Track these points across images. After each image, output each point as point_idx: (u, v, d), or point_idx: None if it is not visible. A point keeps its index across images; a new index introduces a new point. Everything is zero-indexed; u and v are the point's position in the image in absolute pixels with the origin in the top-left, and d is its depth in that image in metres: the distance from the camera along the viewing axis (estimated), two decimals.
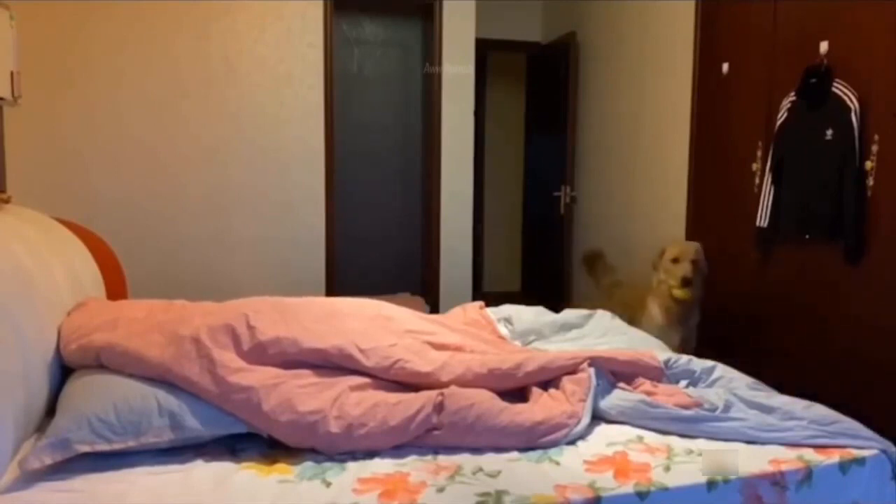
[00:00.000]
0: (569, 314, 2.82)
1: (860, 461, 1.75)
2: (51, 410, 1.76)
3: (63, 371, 1.91)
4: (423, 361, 2.03)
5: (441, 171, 4.54)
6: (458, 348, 2.21)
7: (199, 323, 1.94)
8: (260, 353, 1.93)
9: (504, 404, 1.86)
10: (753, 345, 3.17)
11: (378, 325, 2.23)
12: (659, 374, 2.19)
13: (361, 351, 2.00)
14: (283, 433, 1.72)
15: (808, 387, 2.58)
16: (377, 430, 1.73)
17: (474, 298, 4.02)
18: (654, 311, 3.36)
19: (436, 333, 2.27)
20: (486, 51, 5.73)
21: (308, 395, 1.79)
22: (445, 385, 1.96)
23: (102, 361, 1.83)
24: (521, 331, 2.66)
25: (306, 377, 1.89)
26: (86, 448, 1.55)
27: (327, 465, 1.65)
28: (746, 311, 3.23)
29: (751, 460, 1.71)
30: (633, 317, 3.34)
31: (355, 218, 4.99)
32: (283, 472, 1.61)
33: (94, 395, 1.67)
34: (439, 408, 1.80)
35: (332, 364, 1.98)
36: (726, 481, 1.63)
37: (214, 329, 1.92)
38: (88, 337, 1.89)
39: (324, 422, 1.72)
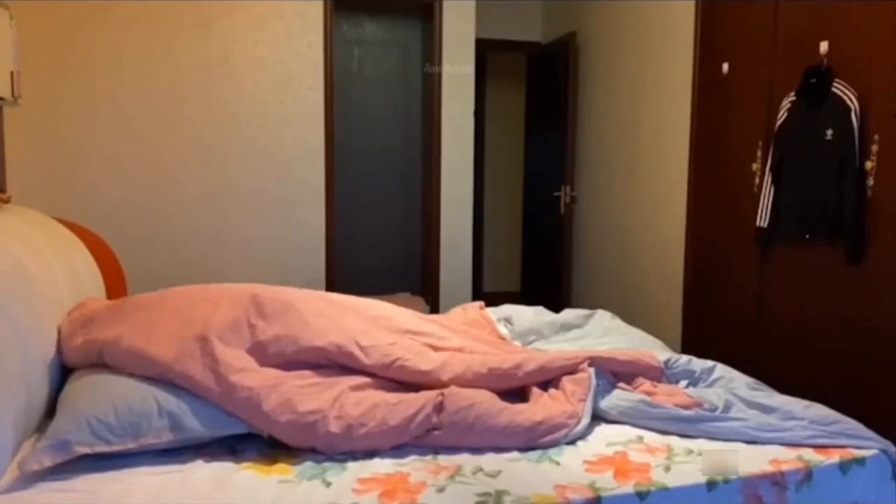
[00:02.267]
0: (569, 314, 2.82)
1: (860, 461, 1.75)
2: (50, 411, 1.76)
3: (63, 371, 1.91)
4: (423, 360, 2.03)
5: (441, 171, 4.54)
6: (458, 350, 2.21)
7: (203, 316, 1.95)
8: (260, 353, 1.93)
9: (504, 404, 1.86)
10: (753, 345, 3.18)
11: (378, 324, 2.23)
12: (659, 374, 2.19)
13: (361, 348, 2.00)
14: (283, 433, 1.72)
15: (809, 387, 2.59)
16: (377, 430, 1.73)
17: (474, 298, 4.03)
18: None
19: (435, 335, 2.27)
20: (486, 51, 5.72)
21: (308, 396, 1.79)
22: (445, 384, 1.96)
23: (105, 359, 1.83)
24: (521, 331, 2.66)
25: (307, 378, 1.90)
26: (85, 450, 1.55)
27: (327, 465, 1.66)
28: (746, 311, 3.23)
29: (751, 460, 1.71)
30: None
31: (355, 218, 5.00)
32: (283, 472, 1.61)
33: (93, 395, 1.67)
34: (439, 408, 1.80)
35: (331, 362, 1.99)
36: (726, 481, 1.63)
37: (218, 327, 1.92)
38: (92, 333, 1.89)
39: (323, 422, 1.72)
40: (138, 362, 1.80)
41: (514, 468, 1.66)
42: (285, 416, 1.72)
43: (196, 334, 1.88)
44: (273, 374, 1.87)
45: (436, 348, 2.17)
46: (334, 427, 1.71)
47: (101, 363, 1.85)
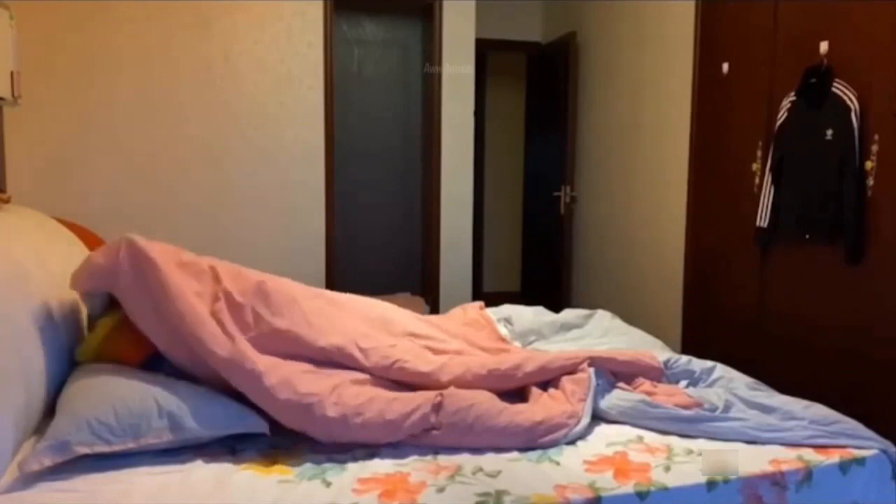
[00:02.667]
0: (569, 314, 2.82)
1: (860, 461, 1.75)
2: (50, 411, 1.76)
3: (63, 371, 1.91)
4: (423, 362, 2.04)
5: (441, 171, 4.54)
6: (457, 353, 2.22)
7: (211, 293, 2.01)
8: (261, 345, 1.95)
9: (503, 405, 1.86)
10: (753, 345, 3.17)
11: (378, 326, 2.24)
12: (658, 374, 2.19)
13: (361, 350, 2.01)
14: (282, 411, 1.73)
15: (809, 387, 2.59)
16: (373, 422, 1.73)
17: (474, 298, 4.03)
18: None
19: (435, 338, 2.27)
20: (486, 51, 5.72)
21: (309, 380, 1.81)
22: (444, 386, 1.96)
23: (119, 285, 1.85)
24: (521, 331, 2.66)
25: (307, 367, 1.92)
26: (85, 450, 1.55)
27: (327, 465, 1.66)
28: (746, 311, 3.23)
29: (751, 460, 1.71)
30: None
31: (355, 218, 5.00)
32: (283, 473, 1.61)
33: (93, 396, 1.67)
34: (437, 408, 1.81)
35: (331, 362, 2.00)
36: (726, 481, 1.63)
37: (225, 308, 1.97)
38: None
39: (320, 405, 1.72)
40: (160, 300, 1.83)
41: (514, 468, 1.66)
42: (284, 394, 1.73)
43: (206, 306, 1.92)
44: (275, 359, 1.89)
45: (435, 351, 2.17)
46: (331, 412, 1.72)
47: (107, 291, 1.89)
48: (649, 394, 2.04)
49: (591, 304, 4.12)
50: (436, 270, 4.60)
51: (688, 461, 1.71)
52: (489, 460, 1.70)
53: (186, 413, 1.68)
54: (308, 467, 1.64)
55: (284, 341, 1.98)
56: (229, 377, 1.77)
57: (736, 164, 3.28)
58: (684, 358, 2.30)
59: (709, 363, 2.29)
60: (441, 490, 1.54)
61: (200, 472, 1.60)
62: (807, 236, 2.82)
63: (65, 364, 1.94)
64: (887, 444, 1.82)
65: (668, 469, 1.66)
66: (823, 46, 2.73)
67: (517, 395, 2.06)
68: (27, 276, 1.82)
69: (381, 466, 1.65)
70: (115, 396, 1.67)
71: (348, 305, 2.31)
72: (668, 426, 1.88)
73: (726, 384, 2.17)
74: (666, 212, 3.95)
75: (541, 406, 1.92)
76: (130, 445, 1.61)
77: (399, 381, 2.01)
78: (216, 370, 1.79)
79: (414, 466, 1.66)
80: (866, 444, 1.80)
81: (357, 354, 2.00)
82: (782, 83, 2.96)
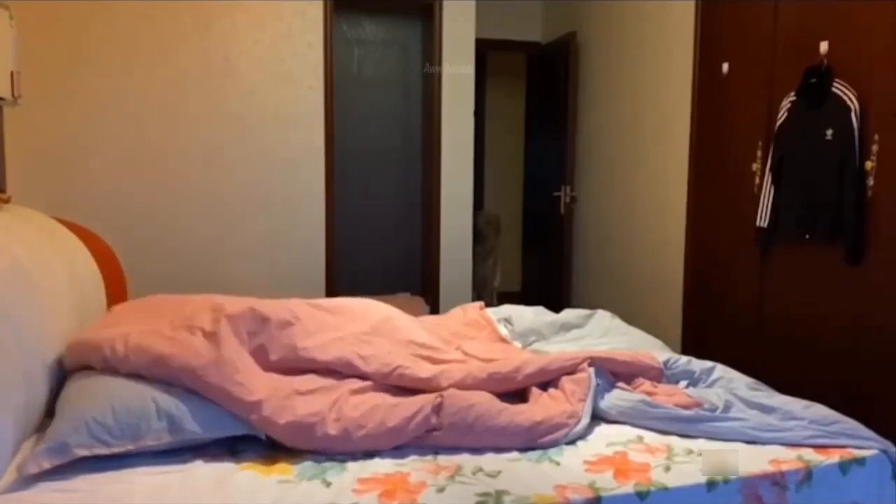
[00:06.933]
0: (569, 314, 2.82)
1: (860, 461, 1.75)
2: (50, 410, 1.76)
3: (63, 371, 1.91)
4: (423, 368, 2.05)
5: (441, 170, 4.54)
6: (459, 363, 2.21)
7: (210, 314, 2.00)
8: (263, 358, 1.95)
9: (503, 405, 1.87)
10: (753, 345, 3.17)
11: (379, 333, 2.24)
12: (658, 374, 2.19)
13: (362, 358, 2.02)
14: (282, 434, 1.73)
15: (809, 387, 2.59)
16: (375, 432, 1.73)
17: (474, 298, 4.03)
18: None
19: (437, 348, 2.26)
20: (486, 51, 5.72)
21: (307, 400, 1.81)
22: (445, 390, 1.96)
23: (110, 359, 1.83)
24: (521, 331, 2.65)
25: (307, 384, 1.91)
26: (84, 452, 1.55)
27: (327, 465, 1.66)
28: (746, 311, 3.23)
29: (751, 460, 1.71)
30: None
31: (355, 218, 4.99)
32: (283, 472, 1.61)
33: (92, 397, 1.67)
34: (438, 409, 1.81)
35: (333, 370, 2.01)
36: (726, 481, 1.63)
37: (228, 321, 1.98)
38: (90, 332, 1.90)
39: (322, 424, 1.72)
40: (145, 360, 1.80)
41: (514, 468, 1.66)
42: (284, 419, 1.72)
43: (209, 330, 1.95)
44: (274, 382, 1.88)
45: (434, 361, 2.16)
46: (332, 429, 1.72)
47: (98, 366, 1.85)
48: (649, 394, 2.04)
49: (591, 304, 4.12)
50: (436, 270, 4.60)
51: (688, 461, 1.71)
52: (489, 460, 1.70)
53: (185, 414, 1.68)
54: (308, 467, 1.64)
55: (285, 354, 2.01)
56: (230, 410, 1.75)
57: (736, 164, 3.28)
58: (684, 358, 2.30)
59: (708, 363, 2.29)
60: (441, 490, 1.54)
61: (200, 472, 1.60)
62: (807, 236, 2.82)
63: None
64: (887, 444, 1.82)
65: (668, 469, 1.67)
66: (823, 46, 2.73)
67: (517, 395, 2.06)
68: (27, 276, 1.82)
69: (381, 466, 1.66)
70: (113, 397, 1.67)
71: (349, 312, 2.32)
72: (668, 426, 1.88)
73: (726, 384, 2.17)
74: (666, 212, 3.95)
75: (541, 406, 1.92)
76: (129, 447, 1.60)
77: (400, 386, 2.01)
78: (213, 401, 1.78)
79: (414, 466, 1.66)
80: (866, 444, 1.80)
81: (357, 362, 2.01)
82: (782, 83, 2.96)
